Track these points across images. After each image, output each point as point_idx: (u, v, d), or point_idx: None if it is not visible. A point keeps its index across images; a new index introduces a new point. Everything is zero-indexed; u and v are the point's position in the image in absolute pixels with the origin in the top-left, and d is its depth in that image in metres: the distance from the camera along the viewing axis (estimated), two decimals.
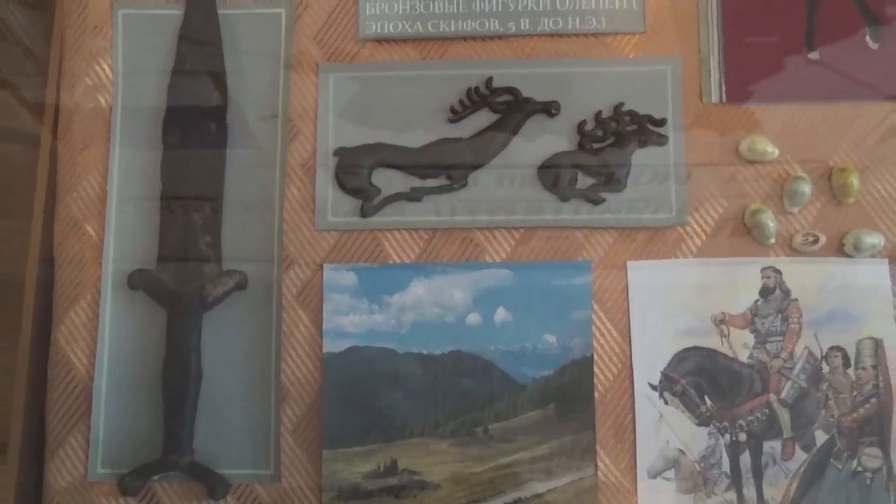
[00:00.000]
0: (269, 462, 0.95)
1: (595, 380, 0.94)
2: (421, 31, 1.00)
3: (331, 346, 0.96)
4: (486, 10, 1.00)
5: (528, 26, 1.00)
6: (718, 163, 0.97)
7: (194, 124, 0.99)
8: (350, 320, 0.96)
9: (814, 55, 0.98)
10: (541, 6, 1.00)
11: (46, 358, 0.97)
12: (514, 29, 1.00)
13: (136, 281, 0.96)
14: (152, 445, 0.94)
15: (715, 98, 0.98)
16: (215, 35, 1.00)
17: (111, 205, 0.98)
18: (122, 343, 0.96)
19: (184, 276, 0.96)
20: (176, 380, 0.94)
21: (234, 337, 0.96)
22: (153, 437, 0.94)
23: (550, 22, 1.00)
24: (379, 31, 1.00)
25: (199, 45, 1.00)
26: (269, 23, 1.01)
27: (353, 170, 0.98)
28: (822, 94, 0.98)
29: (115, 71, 1.00)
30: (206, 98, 0.99)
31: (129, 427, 0.95)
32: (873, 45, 0.98)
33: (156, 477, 0.93)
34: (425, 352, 0.96)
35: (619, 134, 0.98)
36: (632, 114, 0.98)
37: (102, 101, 1.00)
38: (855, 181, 0.95)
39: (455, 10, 1.00)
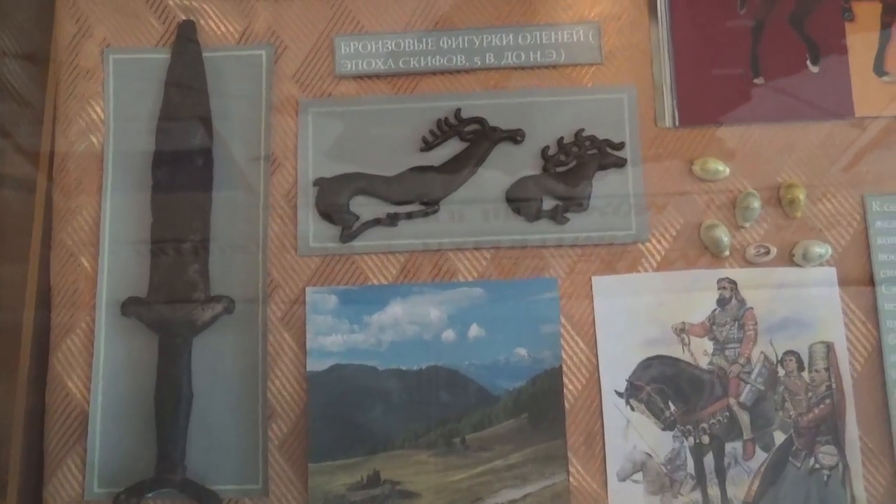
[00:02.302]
0: (258, 477, 0.99)
1: (565, 389, 1.00)
2: (393, 67, 1.07)
3: (314, 364, 1.01)
4: (454, 47, 1.07)
5: (493, 60, 1.07)
6: (674, 183, 1.04)
7: (182, 161, 1.05)
8: (332, 340, 1.02)
9: (759, 80, 1.05)
10: (504, 41, 1.07)
11: (44, 384, 1.02)
12: (479, 63, 1.07)
13: (129, 308, 1.01)
14: (146, 464, 0.98)
15: (669, 123, 1.05)
16: (200, 76, 1.06)
17: (104, 238, 1.03)
18: (115, 368, 1.02)
19: (174, 301, 1.01)
20: (168, 401, 0.99)
21: (223, 359, 1.01)
22: (147, 456, 0.98)
23: (514, 56, 1.07)
24: (354, 69, 1.07)
25: (186, 87, 1.06)
26: (250, 64, 1.08)
27: (332, 199, 1.04)
28: (768, 116, 1.04)
29: (106, 113, 1.07)
30: (193, 137, 1.05)
31: (124, 447, 1.00)
32: (814, 69, 1.05)
33: (150, 494, 0.98)
34: (404, 368, 1.01)
35: (580, 158, 1.04)
36: (592, 139, 1.04)
37: (95, 141, 1.06)
38: (802, 196, 1.01)
39: (424, 48, 1.07)
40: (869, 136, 1.04)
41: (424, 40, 1.07)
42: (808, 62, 1.06)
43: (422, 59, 1.07)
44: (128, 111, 1.07)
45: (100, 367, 1.01)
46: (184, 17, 1.08)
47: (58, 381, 1.02)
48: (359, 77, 1.07)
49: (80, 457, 1.00)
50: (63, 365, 1.02)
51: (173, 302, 1.01)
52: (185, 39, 1.07)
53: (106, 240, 1.04)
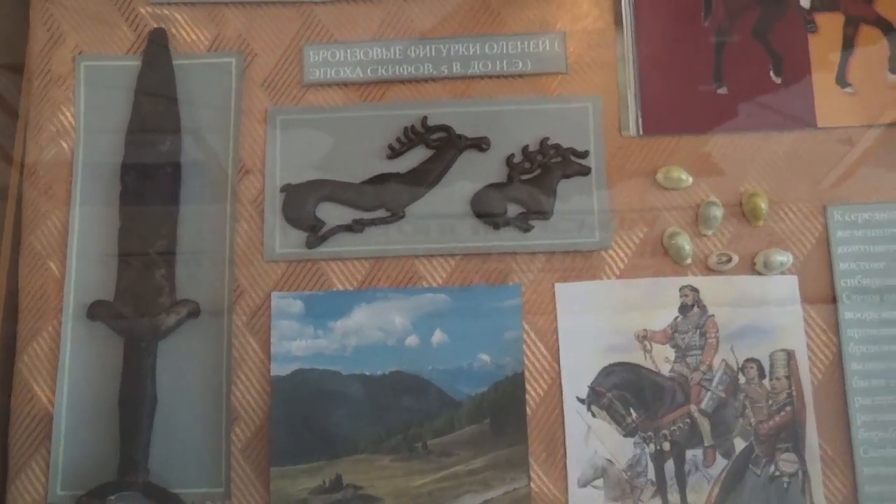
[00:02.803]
0: (221, 480, 1.00)
1: (527, 395, 1.00)
2: (361, 76, 1.08)
3: (278, 369, 1.01)
4: (421, 56, 1.08)
5: (459, 69, 1.08)
6: (637, 191, 1.04)
7: (151, 167, 1.05)
8: (297, 345, 1.02)
9: (722, 90, 1.06)
10: (471, 51, 1.08)
11: (9, 388, 1.03)
12: (446, 72, 1.08)
13: (96, 312, 1.02)
14: (109, 467, 0.99)
15: (633, 131, 1.06)
16: (170, 83, 1.08)
17: (73, 242, 1.04)
18: (81, 371, 1.02)
19: (140, 306, 1.02)
20: (132, 404, 1.00)
21: (188, 363, 1.02)
22: (110, 459, 0.99)
23: (480, 65, 1.08)
24: (323, 77, 1.08)
25: (156, 94, 1.07)
26: (220, 71, 1.09)
27: (299, 205, 1.05)
28: (731, 125, 1.05)
29: (77, 119, 1.08)
30: (162, 143, 1.06)
31: (88, 450, 1.00)
32: (777, 80, 1.06)
33: (112, 497, 0.98)
34: (367, 373, 1.02)
35: (545, 166, 1.05)
36: (556, 147, 1.05)
37: (65, 146, 1.07)
38: (763, 205, 1.02)
39: (392, 57, 1.08)
40: (831, 147, 1.05)
41: (392, 49, 1.09)
42: (772, 73, 1.07)
43: (390, 67, 1.08)
44: (98, 117, 1.08)
45: (65, 371, 1.02)
46: (155, 25, 1.10)
47: (23, 385, 1.02)
48: (327, 85, 1.08)
49: (44, 459, 1.00)
50: (29, 368, 1.02)
51: (139, 306, 1.02)
52: (156, 47, 1.08)
53: (74, 244, 1.04)
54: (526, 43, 1.08)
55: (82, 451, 1.01)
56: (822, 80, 1.06)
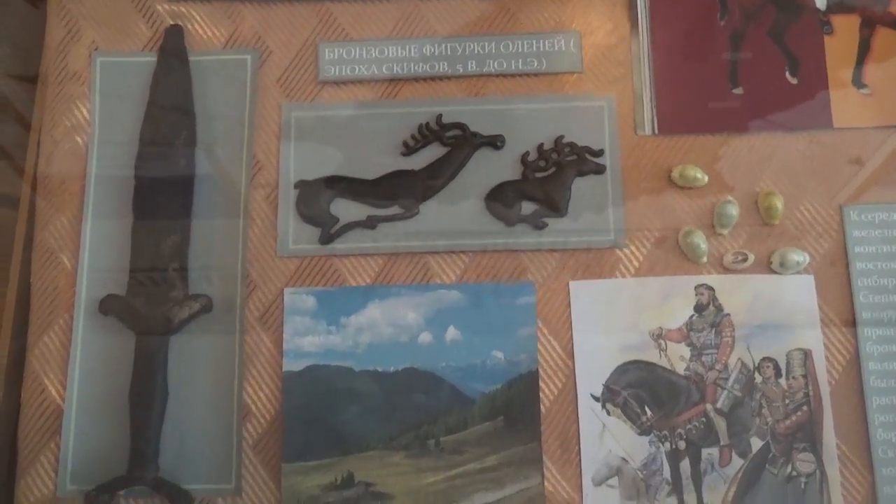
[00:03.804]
0: (231, 476, 0.99)
1: (541, 393, 1.00)
2: (376, 73, 1.08)
3: (291, 365, 1.01)
4: (436, 54, 1.08)
5: (474, 68, 1.08)
6: (653, 189, 1.04)
7: (165, 162, 1.06)
8: (309, 341, 1.02)
9: (738, 90, 1.06)
10: (486, 49, 1.08)
11: (19, 383, 1.02)
12: (461, 70, 1.08)
13: (107, 306, 1.02)
14: (119, 462, 0.98)
15: (648, 130, 1.06)
16: (186, 79, 1.08)
17: (85, 235, 1.04)
18: (92, 365, 1.01)
19: (152, 300, 1.01)
20: (142, 399, 0.99)
21: (199, 357, 1.01)
22: (120, 453, 0.98)
23: (495, 63, 1.08)
24: (337, 74, 1.09)
25: (171, 90, 1.08)
26: (235, 68, 1.09)
27: (312, 201, 1.05)
28: (746, 125, 1.05)
29: (92, 114, 1.08)
30: (176, 138, 1.06)
31: (98, 444, 1.00)
32: (792, 80, 1.07)
33: (122, 492, 0.97)
34: (380, 369, 1.01)
35: (559, 164, 1.05)
36: (571, 145, 1.05)
37: (80, 141, 1.07)
38: (779, 204, 1.02)
39: (408, 55, 1.09)
40: (847, 147, 1.05)
41: (408, 47, 1.09)
42: (788, 74, 1.07)
43: (405, 65, 1.08)
44: (114, 113, 1.08)
45: (76, 365, 1.01)
46: (172, 23, 1.10)
47: (34, 379, 1.01)
48: (342, 82, 1.09)
49: (53, 454, 1.00)
50: (40, 362, 1.02)
51: (151, 300, 1.01)
52: (173, 44, 1.09)
53: (87, 238, 1.04)
54: (541, 42, 1.08)
55: (92, 445, 1.00)
56: (838, 80, 1.06)
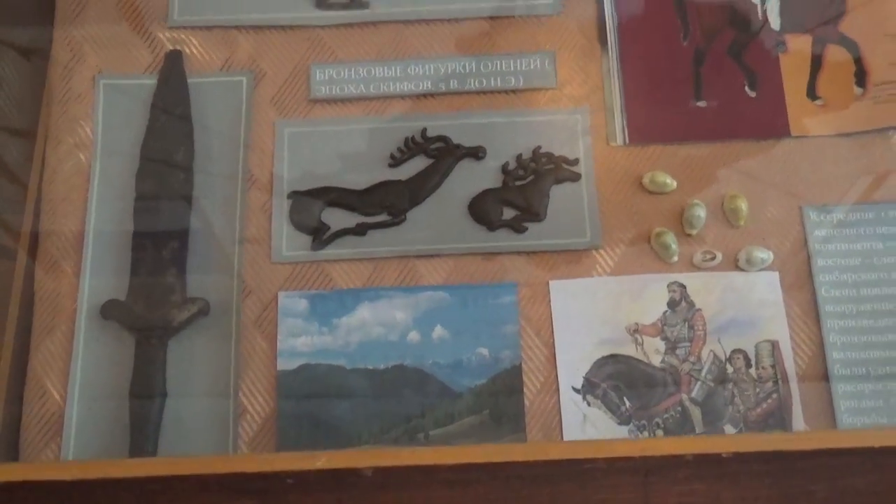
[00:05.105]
0: None
1: (524, 387, 1.04)
2: (364, 92, 1.15)
3: (285, 364, 1.05)
4: (420, 74, 1.16)
5: (456, 86, 1.15)
6: (625, 195, 1.11)
7: (165, 176, 1.11)
8: (302, 341, 1.06)
9: (702, 103, 1.14)
10: (467, 69, 1.16)
11: (21, 386, 1.06)
12: (444, 88, 1.15)
13: (109, 311, 1.06)
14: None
15: (619, 141, 1.13)
16: (184, 100, 1.14)
17: (87, 245, 1.09)
18: (93, 369, 1.05)
19: (152, 304, 1.06)
20: (142, 399, 1.03)
21: (197, 359, 1.06)
22: (120, 452, 1.01)
23: (476, 81, 1.15)
24: (327, 93, 1.15)
25: (170, 110, 1.14)
26: (231, 89, 1.16)
27: (304, 210, 1.10)
28: (710, 135, 1.12)
29: (94, 132, 1.13)
30: (176, 154, 1.12)
31: (98, 444, 1.03)
32: (751, 94, 1.14)
33: None
34: (370, 367, 1.05)
35: (537, 172, 1.11)
36: (548, 155, 1.12)
37: (83, 157, 1.13)
38: (744, 206, 1.09)
39: (394, 74, 1.16)
40: (804, 153, 1.12)
41: (394, 68, 1.16)
42: (747, 88, 1.15)
43: (391, 84, 1.15)
44: (116, 131, 1.14)
45: (77, 368, 1.05)
46: (171, 48, 1.17)
47: (36, 382, 1.05)
48: (332, 101, 1.15)
49: (53, 454, 1.03)
50: (42, 366, 1.06)
51: (151, 303, 1.06)
52: (172, 66, 1.16)
53: (90, 247, 1.09)
54: (518, 61, 1.16)
55: (92, 446, 1.03)
56: (793, 93, 1.14)
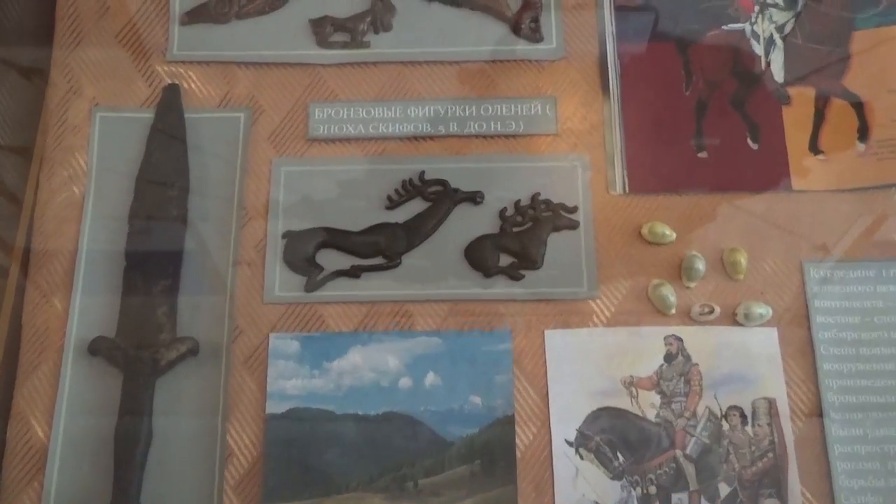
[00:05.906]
0: None
1: (516, 438, 1.03)
2: (363, 132, 1.14)
3: (274, 407, 1.03)
4: (420, 116, 1.15)
5: (456, 129, 1.14)
6: (624, 244, 1.10)
7: (158, 211, 1.10)
8: (292, 384, 1.05)
9: (703, 154, 1.13)
10: (467, 112, 1.15)
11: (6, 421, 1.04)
12: (443, 131, 1.14)
13: (97, 347, 1.04)
14: (102, 501, 0.99)
15: (619, 189, 1.12)
16: (181, 135, 1.13)
17: (77, 280, 1.08)
18: (79, 406, 1.04)
19: (140, 342, 1.04)
20: (127, 439, 1.01)
21: (185, 399, 1.04)
22: (103, 492, 1.00)
23: (475, 125, 1.14)
24: (326, 132, 1.14)
25: (166, 144, 1.13)
26: (229, 125, 1.15)
27: (299, 250, 1.09)
28: (711, 186, 1.12)
29: (89, 165, 1.12)
30: (170, 189, 1.11)
31: (81, 484, 1.01)
32: (753, 146, 1.13)
33: None
34: (361, 412, 1.04)
35: (535, 219, 1.10)
36: (547, 202, 1.11)
37: (76, 190, 1.12)
38: (743, 260, 1.08)
39: (393, 115, 1.15)
40: (805, 208, 1.11)
41: (393, 108, 1.15)
42: (749, 140, 1.14)
43: (390, 125, 1.15)
44: (110, 164, 1.13)
45: (63, 405, 1.03)
46: (169, 82, 1.16)
47: (20, 418, 1.03)
48: (330, 140, 1.14)
49: (36, 493, 1.01)
50: (27, 401, 1.04)
51: (140, 341, 1.04)
52: (169, 101, 1.15)
53: (80, 282, 1.08)
54: (519, 106, 1.15)
55: (75, 485, 1.01)
56: (795, 146, 1.13)
